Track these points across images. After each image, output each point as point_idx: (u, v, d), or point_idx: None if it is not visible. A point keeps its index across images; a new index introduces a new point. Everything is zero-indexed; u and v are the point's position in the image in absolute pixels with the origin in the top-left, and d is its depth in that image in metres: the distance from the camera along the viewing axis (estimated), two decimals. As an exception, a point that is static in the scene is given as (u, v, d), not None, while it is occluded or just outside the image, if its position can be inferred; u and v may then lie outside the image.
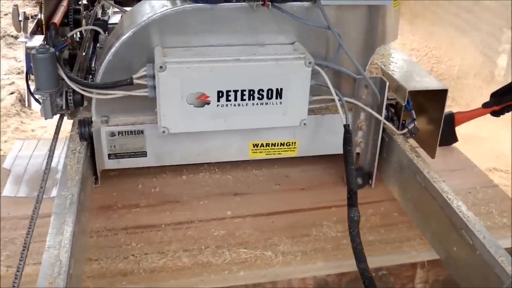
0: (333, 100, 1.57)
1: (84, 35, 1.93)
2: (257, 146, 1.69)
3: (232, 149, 1.68)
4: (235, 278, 1.40)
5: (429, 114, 1.77)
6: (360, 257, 1.39)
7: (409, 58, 1.94)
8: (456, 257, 1.40)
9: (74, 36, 1.90)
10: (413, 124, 1.74)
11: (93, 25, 2.00)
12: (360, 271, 1.38)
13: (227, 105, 1.50)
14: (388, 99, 1.75)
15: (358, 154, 1.77)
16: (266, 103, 1.52)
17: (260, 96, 1.51)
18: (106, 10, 2.27)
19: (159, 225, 1.56)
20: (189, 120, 1.50)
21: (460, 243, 1.37)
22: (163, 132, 1.50)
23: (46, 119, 1.52)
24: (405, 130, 1.73)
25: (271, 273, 1.42)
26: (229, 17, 1.54)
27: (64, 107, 1.53)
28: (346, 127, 1.55)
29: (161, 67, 1.42)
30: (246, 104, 1.51)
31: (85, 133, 1.56)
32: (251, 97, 1.50)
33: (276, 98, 1.52)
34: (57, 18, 1.65)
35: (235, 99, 1.50)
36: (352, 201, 1.46)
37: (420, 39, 5.23)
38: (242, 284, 1.39)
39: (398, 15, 1.85)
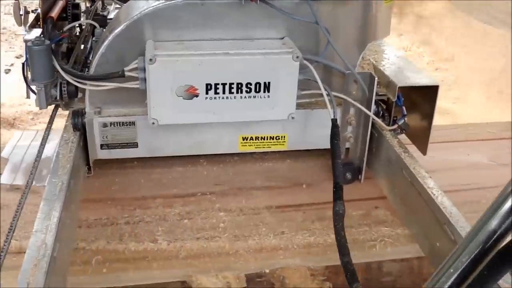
0: (322, 95, 1.59)
1: (84, 28, 1.98)
2: (246, 140, 1.72)
3: (222, 142, 1.71)
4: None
5: (421, 110, 1.79)
6: (343, 250, 1.41)
7: (402, 54, 1.96)
8: (438, 253, 1.42)
9: (74, 30, 1.95)
10: (403, 120, 1.75)
11: (92, 19, 2.04)
12: (343, 264, 1.40)
13: (215, 98, 1.53)
14: (379, 94, 1.77)
15: (348, 149, 1.80)
16: (254, 97, 1.55)
17: (248, 90, 1.54)
18: (106, 6, 2.31)
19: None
20: (178, 112, 1.53)
21: (442, 239, 1.38)
22: (153, 123, 1.54)
23: (40, 109, 1.57)
24: (395, 126, 1.75)
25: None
26: (220, 12, 1.58)
27: (58, 97, 1.58)
28: (333, 121, 1.57)
29: (150, 59, 1.46)
30: (234, 97, 1.54)
31: (78, 124, 1.61)
32: (239, 90, 1.54)
33: (264, 91, 1.55)
34: (54, 12, 1.70)
35: (223, 92, 1.53)
36: (337, 195, 1.47)
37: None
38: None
39: (390, 12, 1.87)
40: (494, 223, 0.76)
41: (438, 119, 1.73)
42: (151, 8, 1.54)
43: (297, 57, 1.52)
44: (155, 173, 1.78)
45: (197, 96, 1.52)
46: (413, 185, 1.53)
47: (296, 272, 1.47)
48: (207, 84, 1.51)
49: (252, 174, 1.80)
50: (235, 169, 1.82)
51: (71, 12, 1.86)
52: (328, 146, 1.61)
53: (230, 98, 1.54)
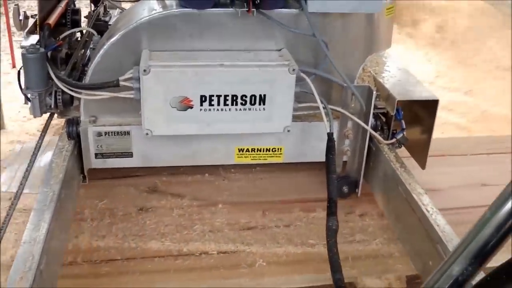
0: (319, 107, 1.57)
1: (84, 34, 1.97)
2: (242, 151, 1.70)
3: (218, 153, 1.69)
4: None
5: (422, 124, 1.76)
6: (335, 267, 1.39)
7: (404, 67, 1.93)
8: (431, 271, 1.39)
9: (74, 35, 1.94)
10: (402, 134, 1.73)
11: (93, 25, 2.04)
12: (334, 281, 1.38)
13: (210, 109, 1.51)
14: (378, 108, 1.75)
15: (345, 162, 1.78)
16: (250, 109, 1.53)
17: (243, 102, 1.52)
18: (108, 11, 2.30)
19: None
20: (172, 123, 1.52)
21: (435, 258, 1.36)
22: (147, 134, 1.53)
23: (34, 117, 1.56)
24: (393, 140, 1.72)
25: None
26: (217, 23, 1.56)
27: (53, 106, 1.57)
28: (329, 135, 1.55)
29: (144, 70, 1.45)
30: (229, 110, 1.52)
31: (73, 132, 1.60)
32: (234, 102, 1.52)
33: (260, 104, 1.53)
34: (52, 19, 1.69)
35: (218, 104, 1.51)
36: (331, 210, 1.45)
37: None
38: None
39: (391, 24, 1.84)
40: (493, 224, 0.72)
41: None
42: (146, 17, 1.53)
43: (294, 69, 1.50)
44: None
45: (191, 107, 1.50)
46: (407, 201, 1.50)
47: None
48: (201, 96, 1.50)
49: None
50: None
51: (70, 18, 1.86)
52: (316, 159, 1.60)
53: (225, 110, 1.52)
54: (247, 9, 1.50)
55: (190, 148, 1.67)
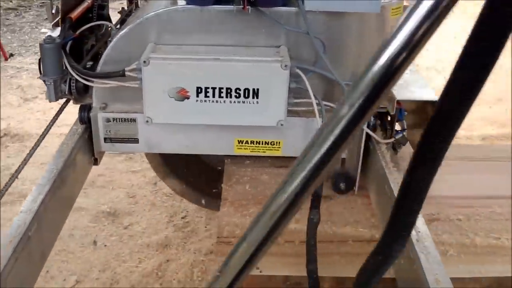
0: (319, 104, 1.62)
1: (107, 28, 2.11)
2: (242, 143, 1.77)
3: (218, 144, 1.77)
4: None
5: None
6: (310, 257, 1.44)
7: (413, 67, 1.92)
8: (401, 271, 1.40)
9: (101, 29, 2.09)
10: (401, 135, 1.74)
11: (122, 20, 2.17)
12: (307, 271, 1.43)
13: (205, 100, 1.60)
14: (379, 107, 1.76)
15: (344, 159, 1.80)
16: (243, 102, 1.60)
17: (237, 95, 1.59)
18: (139, 8, 2.44)
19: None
20: (170, 113, 1.62)
21: (407, 258, 1.37)
22: (147, 121, 1.63)
23: (50, 101, 1.71)
24: (391, 140, 1.73)
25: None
26: (218, 19, 1.64)
27: (67, 92, 1.71)
28: (320, 131, 1.59)
29: (144, 61, 1.55)
30: (224, 102, 1.60)
31: (84, 117, 1.73)
32: (229, 95, 1.59)
33: (253, 97, 1.60)
34: (76, 13, 1.83)
35: (213, 96, 1.59)
36: (314, 204, 1.50)
37: None
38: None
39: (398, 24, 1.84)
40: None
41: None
42: (152, 13, 1.64)
43: (286, 65, 1.56)
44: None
45: (188, 98, 1.59)
46: (391, 200, 1.51)
47: None
48: (197, 87, 1.58)
49: None
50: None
51: (96, 13, 2.00)
52: None
53: (220, 102, 1.60)
54: (242, 7, 1.57)
55: (192, 137, 1.76)
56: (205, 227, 2.71)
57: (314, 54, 1.69)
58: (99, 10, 2.01)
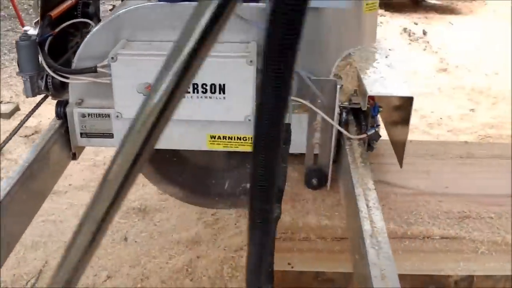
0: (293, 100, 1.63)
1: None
2: (214, 138, 1.78)
3: (191, 139, 1.79)
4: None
5: (400, 123, 1.74)
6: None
7: (394, 63, 1.90)
8: (356, 266, 1.40)
9: (88, 27, 2.13)
10: (373, 131, 1.73)
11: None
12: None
13: (173, 96, 1.61)
14: (353, 103, 1.76)
15: (316, 155, 1.80)
16: (210, 97, 1.62)
17: (204, 90, 1.61)
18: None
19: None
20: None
21: (359, 253, 1.36)
22: (117, 116, 1.66)
23: (27, 97, 1.75)
24: (363, 136, 1.72)
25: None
26: (188, 15, 1.65)
27: (43, 88, 1.76)
28: (286, 125, 1.59)
29: (112, 58, 1.58)
30: (191, 97, 1.62)
31: (60, 113, 1.77)
32: (195, 90, 1.61)
33: (220, 93, 1.61)
34: (56, 11, 1.88)
35: (181, 91, 1.61)
36: (276, 198, 1.51)
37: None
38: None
39: (374, 19, 1.83)
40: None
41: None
42: (124, 9, 1.67)
43: (251, 61, 1.57)
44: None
45: (156, 93, 1.61)
46: (351, 195, 1.51)
47: None
48: (164, 83, 1.60)
49: None
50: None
51: (81, 11, 2.04)
52: (295, 150, 1.65)
53: (187, 97, 1.62)
54: (207, 3, 1.58)
55: (164, 132, 1.77)
56: (235, 224, 2.73)
57: (285, 50, 1.69)
58: (84, 8, 2.06)
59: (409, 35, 6.06)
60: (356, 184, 1.50)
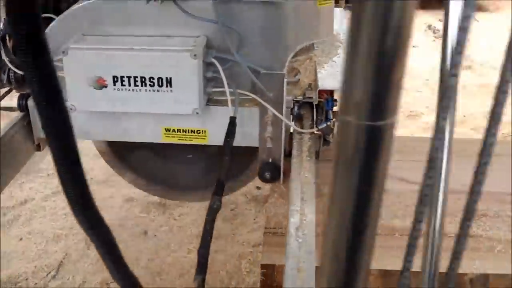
0: (240, 93, 1.66)
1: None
2: (169, 131, 1.82)
3: (146, 131, 1.82)
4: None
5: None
6: (204, 242, 1.47)
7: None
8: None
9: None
10: (325, 125, 1.73)
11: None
12: (198, 254, 1.47)
13: (122, 89, 1.66)
14: (306, 97, 1.77)
15: (270, 148, 1.81)
16: (158, 90, 1.65)
17: (152, 83, 1.64)
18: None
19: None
20: (90, 100, 1.69)
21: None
22: (71, 109, 1.71)
23: (-12, 91, 1.83)
24: (313, 129, 1.73)
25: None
26: (140, 10, 1.69)
27: (5, 82, 1.82)
28: (231, 119, 1.62)
29: (63, 51, 1.63)
30: (140, 90, 1.65)
31: (22, 105, 1.84)
32: (143, 83, 1.64)
33: (167, 86, 1.64)
34: (24, 7, 1.94)
35: (129, 85, 1.65)
36: (217, 191, 1.53)
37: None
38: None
39: (330, 13, 1.83)
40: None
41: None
42: (78, 6, 1.72)
43: (195, 55, 1.59)
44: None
45: (106, 86, 1.66)
46: (291, 188, 1.52)
47: None
48: (114, 76, 1.64)
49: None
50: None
51: (52, 7, 2.10)
52: (250, 143, 1.68)
53: (136, 90, 1.65)
54: (153, -1, 1.62)
55: (120, 125, 1.82)
56: (254, 219, 2.76)
57: (237, 44, 1.72)
58: (55, 4, 2.11)
59: (434, 32, 5.97)
60: (295, 178, 1.51)
